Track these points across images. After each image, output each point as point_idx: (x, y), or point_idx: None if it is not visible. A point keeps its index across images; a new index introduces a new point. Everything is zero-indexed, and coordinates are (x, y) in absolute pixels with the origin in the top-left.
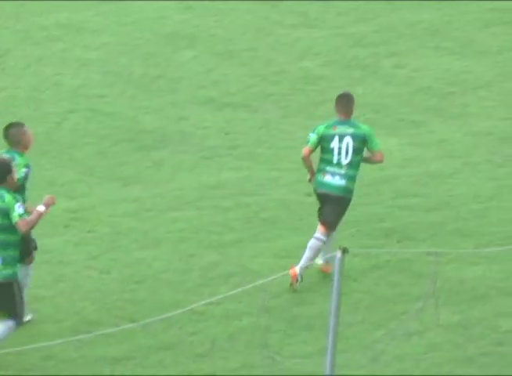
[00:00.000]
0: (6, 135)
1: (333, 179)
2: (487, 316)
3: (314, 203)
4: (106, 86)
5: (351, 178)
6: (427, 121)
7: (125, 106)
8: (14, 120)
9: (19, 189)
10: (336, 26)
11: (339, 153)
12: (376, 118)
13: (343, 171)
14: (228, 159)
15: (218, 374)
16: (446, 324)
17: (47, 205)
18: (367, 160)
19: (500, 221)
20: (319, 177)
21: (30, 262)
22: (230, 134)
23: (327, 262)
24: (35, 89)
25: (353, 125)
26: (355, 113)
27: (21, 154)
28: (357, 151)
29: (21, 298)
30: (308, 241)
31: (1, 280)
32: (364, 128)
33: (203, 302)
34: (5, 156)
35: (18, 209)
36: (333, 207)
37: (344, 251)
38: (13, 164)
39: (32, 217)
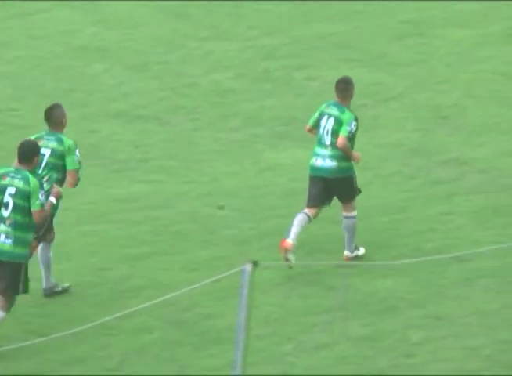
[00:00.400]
0: (49, 117)
1: (324, 162)
2: (397, 328)
3: (224, 216)
4: (18, 100)
5: (340, 158)
6: None
7: (37, 120)
8: None
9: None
10: (247, 38)
11: (323, 133)
12: (288, 131)
13: (330, 153)
14: (138, 172)
15: None
16: (356, 337)
17: (56, 197)
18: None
19: (411, 233)
20: (312, 161)
21: (52, 240)
22: (141, 147)
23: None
24: None
25: (340, 110)
26: (266, 125)
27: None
28: (335, 134)
29: (26, 280)
30: (212, 256)
31: (10, 259)
32: (346, 114)
33: (114, 316)
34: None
35: (41, 197)
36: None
37: (255, 263)
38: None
39: (47, 208)
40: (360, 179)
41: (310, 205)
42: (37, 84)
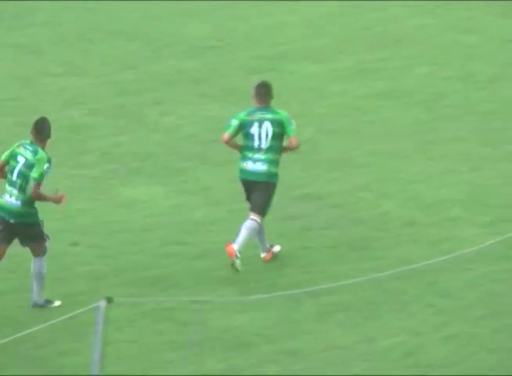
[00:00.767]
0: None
1: (255, 166)
2: (252, 363)
3: (79, 252)
4: None
5: (272, 163)
6: (192, 168)
7: None
8: None
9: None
10: (100, 74)
11: (259, 139)
12: (142, 166)
13: (263, 156)
14: None
15: None
16: (211, 372)
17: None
18: (285, 150)
19: (265, 268)
20: (241, 165)
21: (44, 253)
22: None
23: (265, 250)
24: None
25: (272, 112)
26: (121, 161)
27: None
28: (276, 136)
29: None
30: (68, 293)
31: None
32: (281, 114)
33: None
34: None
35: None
36: (259, 194)
37: (109, 300)
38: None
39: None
40: (213, 215)
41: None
42: None
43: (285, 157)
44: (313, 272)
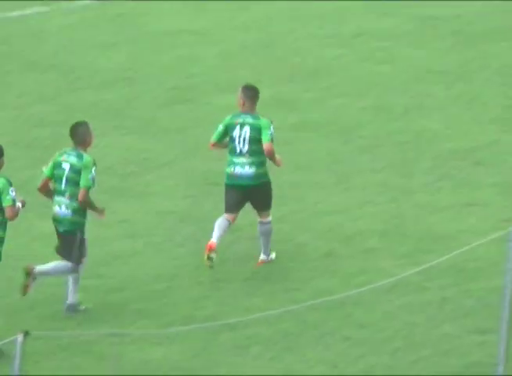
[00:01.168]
0: (74, 134)
1: (244, 170)
2: None
3: None
4: None
5: (258, 164)
6: (109, 200)
7: None
8: None
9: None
10: (16, 106)
11: (239, 142)
12: None
13: (248, 160)
14: None
15: None
16: None
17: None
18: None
19: (183, 300)
20: (229, 170)
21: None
22: None
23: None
24: None
25: (254, 117)
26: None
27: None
28: (254, 141)
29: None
30: None
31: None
32: (262, 120)
33: None
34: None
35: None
36: (259, 196)
37: (26, 334)
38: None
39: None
40: (131, 247)
41: (229, 212)
42: None
43: (198, 189)
44: (230, 305)
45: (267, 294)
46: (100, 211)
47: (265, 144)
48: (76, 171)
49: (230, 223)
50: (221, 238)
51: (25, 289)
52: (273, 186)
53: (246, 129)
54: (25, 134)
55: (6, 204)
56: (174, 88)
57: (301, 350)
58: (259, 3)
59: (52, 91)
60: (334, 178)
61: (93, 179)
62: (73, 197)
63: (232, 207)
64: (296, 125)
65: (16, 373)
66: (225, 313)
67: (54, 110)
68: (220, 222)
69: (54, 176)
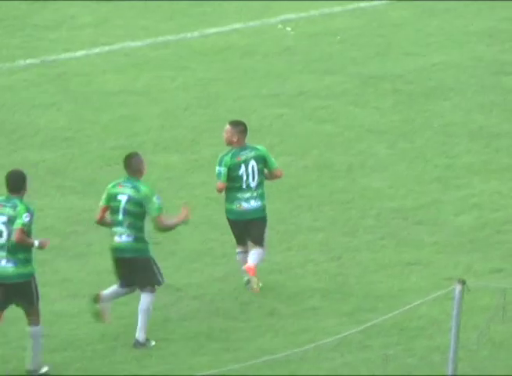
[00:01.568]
0: (128, 164)
1: (250, 204)
2: None
3: None
4: None
5: (263, 196)
6: (51, 260)
7: None
8: None
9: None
10: None
11: (248, 178)
12: None
13: (255, 193)
14: None
15: None
16: None
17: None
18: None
19: (127, 359)
20: (232, 206)
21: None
22: None
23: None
24: None
25: (252, 148)
26: None
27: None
28: (261, 172)
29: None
30: None
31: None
32: (261, 149)
33: None
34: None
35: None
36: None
37: None
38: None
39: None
40: (73, 307)
41: (241, 243)
42: None
43: None
44: (173, 363)
45: (210, 353)
46: (183, 217)
47: (276, 170)
48: (134, 202)
49: (247, 251)
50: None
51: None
52: (215, 246)
53: (253, 163)
54: None
55: (15, 226)
56: (115, 147)
57: None
58: (200, 62)
59: None
60: (277, 238)
61: (160, 205)
62: (131, 226)
63: (242, 239)
64: None
65: None
66: (169, 372)
67: None
68: (242, 257)
69: (110, 207)
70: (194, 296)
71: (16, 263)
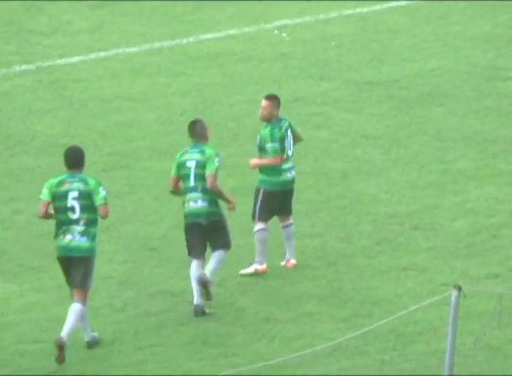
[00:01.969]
0: (192, 130)
1: (292, 175)
2: None
3: None
4: None
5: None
6: (47, 265)
7: None
8: None
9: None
10: None
11: (289, 148)
12: None
13: (292, 164)
14: None
15: None
16: None
17: (232, 200)
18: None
19: (123, 364)
20: (282, 177)
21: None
22: None
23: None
24: None
25: (284, 119)
26: None
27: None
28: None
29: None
30: None
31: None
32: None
33: None
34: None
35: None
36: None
37: None
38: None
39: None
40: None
41: (268, 219)
42: None
43: (137, 254)
44: (170, 368)
45: (206, 359)
46: (232, 199)
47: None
48: (201, 166)
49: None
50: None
51: (208, 296)
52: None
53: (289, 133)
54: None
55: (99, 202)
56: (112, 153)
57: None
58: (196, 68)
59: None
60: (273, 243)
61: (218, 167)
62: (205, 190)
63: (276, 212)
64: (235, 189)
65: None
66: None
67: None
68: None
69: (181, 176)
70: (190, 301)
71: (88, 238)
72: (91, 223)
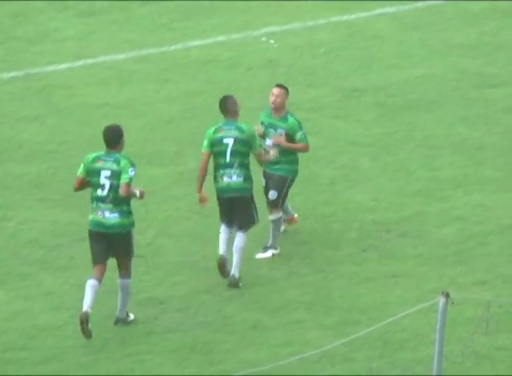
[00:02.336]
0: (224, 108)
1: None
2: None
3: None
4: None
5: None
6: (35, 273)
7: None
8: None
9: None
10: None
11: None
12: None
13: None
14: None
15: None
16: None
17: (141, 195)
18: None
19: (109, 372)
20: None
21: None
22: None
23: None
24: None
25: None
26: None
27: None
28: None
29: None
30: None
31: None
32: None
33: None
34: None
35: (130, 173)
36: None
37: None
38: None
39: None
40: (57, 319)
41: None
42: None
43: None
44: None
45: (193, 366)
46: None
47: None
48: (240, 142)
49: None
50: None
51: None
52: (198, 259)
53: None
54: None
55: (123, 181)
56: None
57: None
58: (184, 75)
59: None
60: (260, 250)
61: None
62: (241, 166)
63: None
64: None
65: None
66: None
67: None
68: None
69: (215, 152)
70: (177, 309)
71: (120, 214)
72: (121, 201)
